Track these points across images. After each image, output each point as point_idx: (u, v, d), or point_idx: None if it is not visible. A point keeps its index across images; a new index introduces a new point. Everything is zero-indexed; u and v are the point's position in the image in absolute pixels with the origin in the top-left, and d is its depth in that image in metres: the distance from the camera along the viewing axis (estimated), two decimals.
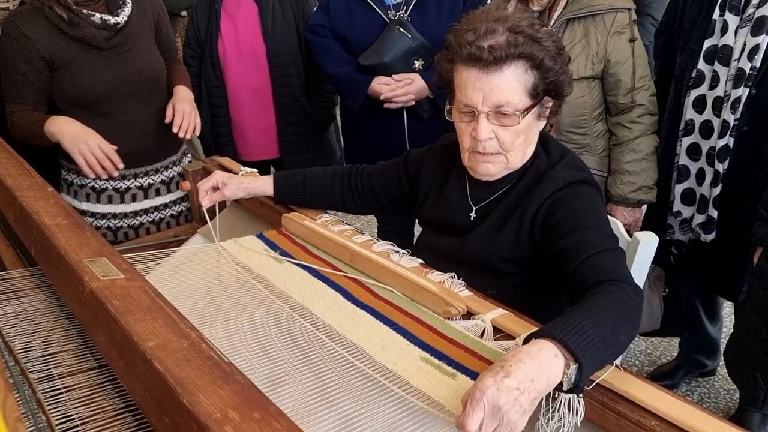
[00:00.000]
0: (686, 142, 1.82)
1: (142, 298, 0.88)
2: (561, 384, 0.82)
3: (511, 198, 1.24)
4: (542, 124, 1.23)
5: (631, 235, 1.44)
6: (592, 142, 1.85)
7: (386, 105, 2.11)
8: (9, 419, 0.73)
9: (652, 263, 1.49)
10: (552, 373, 0.81)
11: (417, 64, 2.09)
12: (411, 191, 1.42)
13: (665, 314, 2.10)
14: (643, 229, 2.14)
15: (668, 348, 2.53)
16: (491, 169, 1.22)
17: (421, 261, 1.26)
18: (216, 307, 1.17)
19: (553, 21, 1.81)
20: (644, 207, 1.92)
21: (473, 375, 0.94)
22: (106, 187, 1.82)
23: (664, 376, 2.32)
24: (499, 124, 1.16)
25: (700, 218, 1.82)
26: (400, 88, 2.07)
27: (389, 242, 1.33)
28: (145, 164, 1.86)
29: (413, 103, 2.10)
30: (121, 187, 1.83)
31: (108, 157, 1.67)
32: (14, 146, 1.56)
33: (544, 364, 0.80)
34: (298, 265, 1.30)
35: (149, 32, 1.83)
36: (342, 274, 1.26)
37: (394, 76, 2.08)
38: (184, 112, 1.78)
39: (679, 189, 1.88)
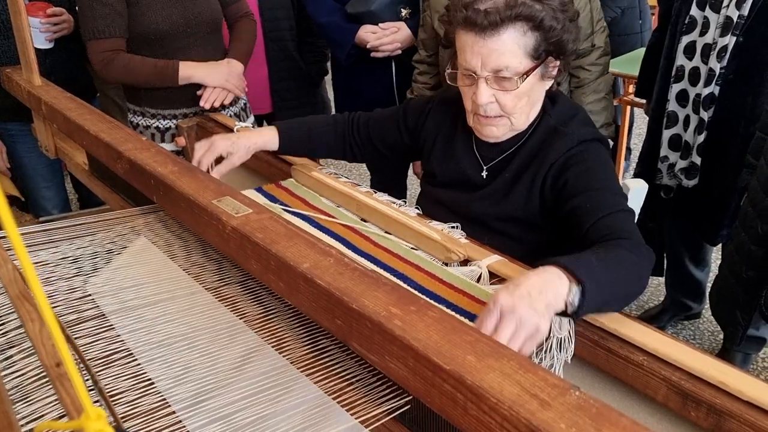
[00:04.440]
0: (676, 88, 1.90)
1: (277, 227, 1.02)
2: (565, 309, 0.90)
3: (523, 156, 1.26)
4: (548, 83, 1.24)
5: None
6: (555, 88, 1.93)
7: (373, 54, 2.15)
8: None
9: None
10: (557, 291, 0.88)
11: (404, 12, 2.13)
12: (412, 142, 1.45)
13: None
14: (634, 173, 2.25)
15: (655, 293, 2.66)
16: (495, 131, 1.25)
17: (419, 211, 1.35)
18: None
19: None
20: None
21: (471, 317, 1.03)
22: (169, 126, 1.97)
23: (650, 320, 2.46)
24: (500, 88, 1.17)
25: (682, 164, 1.92)
26: (387, 37, 2.11)
27: (385, 194, 1.41)
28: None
29: (400, 52, 2.15)
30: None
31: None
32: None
33: (549, 281, 0.89)
34: (297, 216, 1.37)
35: None
36: (341, 223, 1.34)
37: (380, 24, 2.12)
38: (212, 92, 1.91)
39: (666, 134, 1.97)
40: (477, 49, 1.15)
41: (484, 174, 1.31)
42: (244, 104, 2.16)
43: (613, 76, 1.96)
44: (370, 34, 2.13)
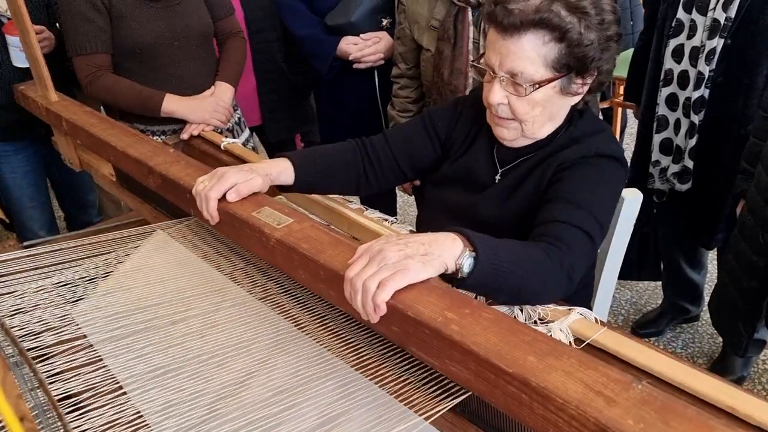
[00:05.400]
0: (665, 92, 1.89)
1: (321, 235, 1.03)
2: (456, 273, 0.89)
3: (534, 160, 1.22)
4: (572, 99, 1.17)
5: None
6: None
7: (355, 65, 2.13)
8: None
9: None
10: (447, 248, 0.88)
11: (385, 22, 2.11)
12: (442, 151, 1.37)
13: (643, 260, 2.22)
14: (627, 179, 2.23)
15: (653, 296, 2.65)
16: (505, 134, 1.21)
17: (411, 228, 1.32)
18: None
19: None
20: None
21: None
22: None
23: (649, 324, 2.45)
24: (512, 92, 1.14)
25: (675, 168, 1.91)
26: (369, 48, 2.09)
27: (376, 210, 1.40)
28: None
29: (383, 62, 2.12)
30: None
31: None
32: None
33: (439, 238, 0.89)
34: None
35: None
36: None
37: (361, 35, 2.09)
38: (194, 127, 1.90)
39: (657, 139, 1.95)
40: (497, 48, 1.12)
41: (497, 177, 1.27)
42: (239, 119, 2.14)
43: None
44: (351, 46, 2.10)
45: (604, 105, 3.47)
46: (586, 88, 1.16)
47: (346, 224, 1.36)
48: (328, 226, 1.10)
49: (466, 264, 0.89)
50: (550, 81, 1.11)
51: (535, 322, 1.04)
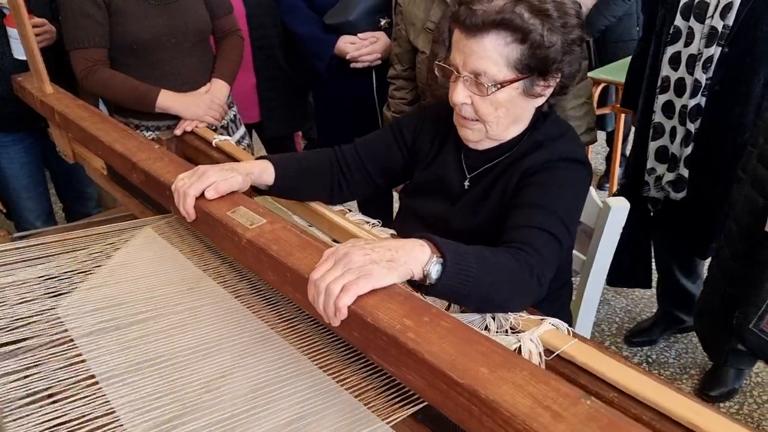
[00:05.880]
0: (662, 99, 1.87)
1: (291, 237, 1.04)
2: (423, 280, 0.90)
3: (501, 166, 1.23)
4: (535, 101, 1.19)
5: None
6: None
7: (353, 64, 2.13)
8: None
9: (626, 220, 1.54)
10: (413, 255, 0.88)
11: (383, 22, 2.11)
12: (411, 158, 1.38)
13: (635, 266, 2.20)
14: (620, 186, 2.22)
15: (648, 305, 2.63)
16: (469, 134, 1.22)
17: (393, 231, 1.31)
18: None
19: None
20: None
21: None
22: (152, 137, 1.96)
23: (642, 332, 2.43)
24: (476, 92, 1.15)
25: (669, 176, 1.90)
26: (366, 47, 2.09)
27: (358, 213, 1.38)
28: None
29: (380, 62, 2.12)
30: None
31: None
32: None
33: (406, 245, 0.89)
34: None
35: None
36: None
37: (359, 34, 2.09)
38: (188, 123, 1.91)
39: (653, 146, 1.94)
40: (461, 47, 1.13)
41: (466, 184, 1.28)
42: (234, 115, 2.14)
43: (591, 81, 1.93)
44: (349, 45, 2.11)
45: (606, 110, 3.45)
46: (549, 90, 1.18)
47: (327, 226, 1.36)
48: (303, 229, 1.09)
49: (434, 270, 0.89)
50: (512, 81, 1.13)
51: (507, 331, 1.03)
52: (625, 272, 2.22)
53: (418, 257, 0.89)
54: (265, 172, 1.28)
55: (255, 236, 1.05)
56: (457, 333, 0.79)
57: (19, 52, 2.04)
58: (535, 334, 1.01)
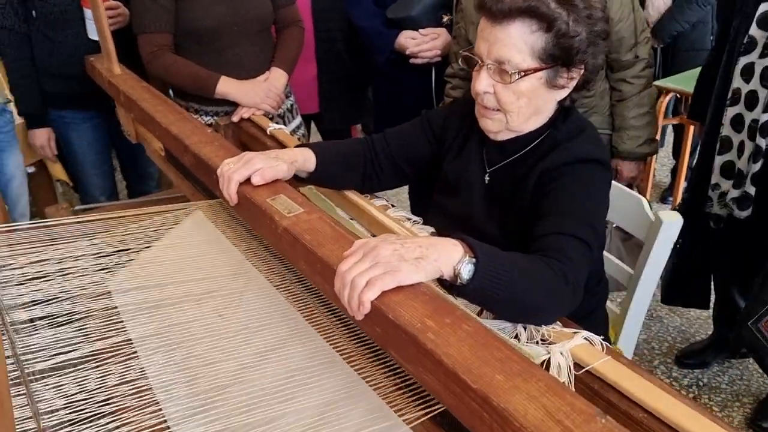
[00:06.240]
0: (731, 112, 1.79)
1: (325, 228, 1.05)
2: (455, 279, 0.88)
3: (523, 168, 1.23)
4: (558, 93, 1.18)
5: (635, 189, 1.45)
6: (598, 102, 1.86)
7: (412, 60, 2.12)
8: None
9: (685, 236, 1.48)
10: (444, 253, 0.88)
11: (445, 18, 2.09)
12: (438, 148, 1.39)
13: (693, 285, 2.11)
14: (683, 200, 2.14)
15: (703, 326, 2.53)
16: (489, 125, 1.22)
17: (432, 230, 1.30)
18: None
19: None
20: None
21: None
22: (211, 122, 2.01)
23: (695, 354, 2.34)
24: (499, 80, 1.15)
25: (734, 193, 1.81)
26: (426, 44, 2.08)
27: (402, 210, 1.38)
28: None
29: (440, 58, 2.10)
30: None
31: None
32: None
33: (439, 243, 0.89)
34: None
35: None
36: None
37: (420, 30, 2.08)
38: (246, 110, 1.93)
39: (719, 161, 1.85)
40: (486, 35, 1.14)
41: (486, 179, 1.28)
42: (291, 105, 2.17)
43: (656, 91, 1.89)
44: (409, 40, 2.10)
45: (674, 121, 3.32)
46: (572, 83, 1.17)
47: (367, 220, 1.36)
48: (342, 222, 1.10)
49: (465, 270, 0.88)
50: (536, 71, 1.13)
51: (537, 342, 1.01)
52: (681, 290, 2.14)
53: (451, 255, 0.88)
54: (308, 160, 1.31)
55: (291, 224, 1.07)
56: (477, 337, 0.78)
57: (92, 33, 2.12)
58: (566, 348, 0.98)
